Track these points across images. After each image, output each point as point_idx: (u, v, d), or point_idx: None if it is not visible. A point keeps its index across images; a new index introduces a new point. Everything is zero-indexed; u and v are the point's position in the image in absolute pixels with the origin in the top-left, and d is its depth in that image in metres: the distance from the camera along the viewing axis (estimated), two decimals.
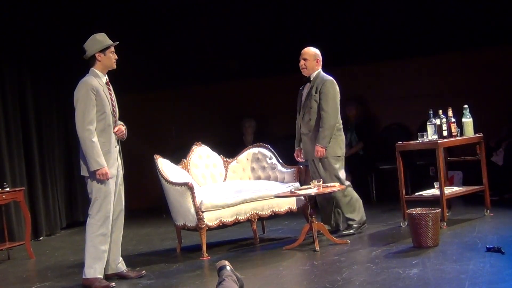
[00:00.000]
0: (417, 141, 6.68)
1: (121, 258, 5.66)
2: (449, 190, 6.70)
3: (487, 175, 6.85)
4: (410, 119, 9.10)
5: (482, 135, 6.87)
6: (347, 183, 6.55)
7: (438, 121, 6.62)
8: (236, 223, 6.42)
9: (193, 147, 7.11)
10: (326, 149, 6.37)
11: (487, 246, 5.20)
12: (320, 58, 6.58)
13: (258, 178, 7.09)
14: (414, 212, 5.66)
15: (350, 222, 6.53)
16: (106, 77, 5.53)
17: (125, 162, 5.67)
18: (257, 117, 9.65)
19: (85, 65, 5.57)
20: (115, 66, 5.54)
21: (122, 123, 5.60)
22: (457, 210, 7.18)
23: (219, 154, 7.27)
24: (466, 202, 7.55)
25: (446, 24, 8.84)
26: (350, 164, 8.57)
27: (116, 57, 5.53)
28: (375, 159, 8.94)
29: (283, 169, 6.95)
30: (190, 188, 6.15)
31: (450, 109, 6.71)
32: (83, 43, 5.50)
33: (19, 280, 6.05)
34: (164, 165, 6.50)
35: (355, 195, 6.58)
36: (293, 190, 6.33)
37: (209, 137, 8.03)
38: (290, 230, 7.17)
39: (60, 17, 9.01)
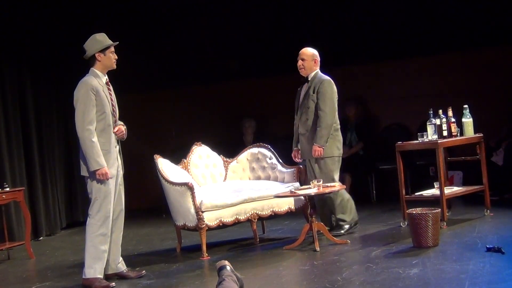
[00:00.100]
0: (417, 141, 6.68)
1: (121, 258, 5.66)
2: (449, 190, 6.70)
3: (487, 175, 6.85)
4: (410, 119, 9.10)
5: (482, 135, 6.87)
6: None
7: (438, 121, 6.62)
8: (236, 223, 6.42)
9: (193, 147, 7.11)
10: (323, 148, 6.36)
11: (487, 246, 5.20)
12: (318, 58, 6.58)
13: (258, 178, 7.09)
14: (414, 212, 5.66)
15: (341, 223, 6.51)
16: (106, 77, 5.53)
17: (125, 162, 5.67)
18: (257, 117, 9.66)
19: (85, 65, 5.57)
20: (115, 66, 5.54)
21: (122, 123, 5.60)
22: (457, 210, 7.18)
23: (219, 154, 7.28)
24: (466, 202, 7.55)
25: (446, 24, 8.84)
26: (350, 164, 8.59)
27: (116, 57, 5.53)
28: (375, 159, 8.94)
29: (283, 169, 6.96)
30: (190, 188, 6.15)
31: (450, 109, 6.71)
32: (83, 43, 5.49)
33: (19, 280, 6.05)
34: (164, 165, 6.50)
35: (347, 195, 6.57)
36: (293, 190, 6.33)
37: (209, 137, 8.03)
38: (290, 230, 7.17)
39: (60, 17, 9.01)
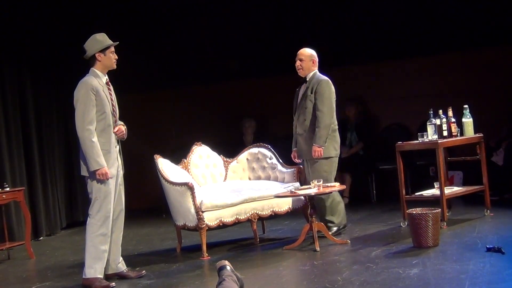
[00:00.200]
0: (417, 141, 6.68)
1: (121, 258, 5.66)
2: (449, 190, 6.70)
3: (487, 175, 6.85)
4: (410, 119, 9.10)
5: (482, 135, 6.87)
6: None
7: (438, 121, 6.62)
8: (236, 223, 6.42)
9: (193, 147, 7.11)
10: (323, 148, 6.36)
11: (487, 246, 5.20)
12: (316, 59, 6.57)
13: (258, 178, 7.09)
14: (414, 212, 5.66)
15: (329, 224, 6.45)
16: (106, 77, 5.53)
17: (125, 162, 5.67)
18: (257, 117, 9.66)
19: (85, 65, 5.57)
20: (115, 66, 5.54)
21: (122, 123, 5.60)
22: (457, 210, 7.18)
23: (219, 154, 7.28)
24: (466, 202, 7.55)
25: (446, 24, 8.84)
26: (350, 164, 8.60)
27: (116, 57, 5.53)
28: (375, 159, 8.94)
29: (283, 169, 6.96)
30: (190, 188, 6.15)
31: (450, 109, 6.71)
32: (83, 43, 5.49)
33: (19, 280, 6.05)
34: (164, 165, 6.50)
35: (338, 198, 6.54)
36: (293, 190, 6.33)
37: (209, 137, 8.03)
38: (290, 230, 7.17)
39: (60, 17, 9.01)
